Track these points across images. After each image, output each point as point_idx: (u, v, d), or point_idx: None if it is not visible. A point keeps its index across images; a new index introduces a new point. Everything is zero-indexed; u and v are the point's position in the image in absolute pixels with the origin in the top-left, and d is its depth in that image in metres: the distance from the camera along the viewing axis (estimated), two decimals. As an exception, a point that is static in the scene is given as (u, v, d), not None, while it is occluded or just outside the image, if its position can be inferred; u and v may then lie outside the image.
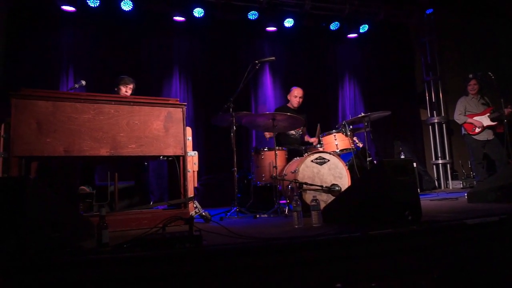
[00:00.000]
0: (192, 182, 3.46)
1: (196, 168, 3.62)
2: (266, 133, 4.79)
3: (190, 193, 3.36)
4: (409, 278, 1.91)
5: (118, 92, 4.28)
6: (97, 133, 2.97)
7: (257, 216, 3.56)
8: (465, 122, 5.50)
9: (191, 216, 3.10)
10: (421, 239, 2.20)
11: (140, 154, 3.11)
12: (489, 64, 6.30)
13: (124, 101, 3.14)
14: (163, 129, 3.22)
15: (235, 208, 3.73)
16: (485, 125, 5.37)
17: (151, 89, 5.80)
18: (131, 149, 3.07)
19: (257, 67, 4.09)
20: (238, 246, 1.83)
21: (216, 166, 5.92)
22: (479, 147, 5.46)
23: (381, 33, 7.15)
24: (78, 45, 5.65)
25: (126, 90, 4.31)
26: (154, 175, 5.62)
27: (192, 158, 3.52)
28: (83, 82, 4.10)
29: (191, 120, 5.99)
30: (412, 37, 7.69)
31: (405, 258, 2.09)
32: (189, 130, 3.44)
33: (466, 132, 5.55)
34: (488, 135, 5.40)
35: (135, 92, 4.36)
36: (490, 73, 5.11)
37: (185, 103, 3.38)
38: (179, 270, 1.70)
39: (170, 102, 3.33)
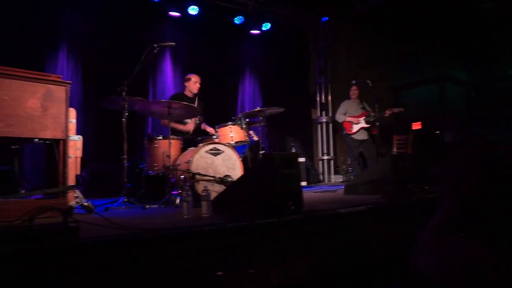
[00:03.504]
0: (74, 169, 3.16)
1: (79, 154, 3.30)
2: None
3: (71, 181, 3.05)
4: (286, 264, 2.05)
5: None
6: (-50, 108, 2.48)
7: (147, 206, 3.43)
8: (344, 121, 6.16)
9: (70, 206, 2.83)
10: (302, 227, 2.39)
11: (9, 135, 2.69)
12: (371, 74, 7.10)
13: (-12, 72, 2.67)
14: (40, 108, 2.83)
15: (122, 198, 3.52)
16: (360, 127, 6.08)
17: (32, 64, 5.06)
18: (-3, 129, 2.64)
19: (155, 51, 3.91)
20: (118, 238, 1.73)
21: (106, 153, 5.48)
22: (356, 146, 6.17)
23: (282, 33, 7.49)
24: None
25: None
26: (30, 161, 4.95)
27: (75, 143, 3.21)
28: None
29: (80, 102, 5.43)
30: (309, 41, 8.25)
31: (286, 245, 2.25)
32: (72, 112, 3.11)
33: (345, 132, 6.21)
34: (363, 136, 6.13)
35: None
36: (368, 81, 5.81)
37: (70, 82, 3.02)
38: (50, 265, 1.53)
39: (51, 78, 2.94)
